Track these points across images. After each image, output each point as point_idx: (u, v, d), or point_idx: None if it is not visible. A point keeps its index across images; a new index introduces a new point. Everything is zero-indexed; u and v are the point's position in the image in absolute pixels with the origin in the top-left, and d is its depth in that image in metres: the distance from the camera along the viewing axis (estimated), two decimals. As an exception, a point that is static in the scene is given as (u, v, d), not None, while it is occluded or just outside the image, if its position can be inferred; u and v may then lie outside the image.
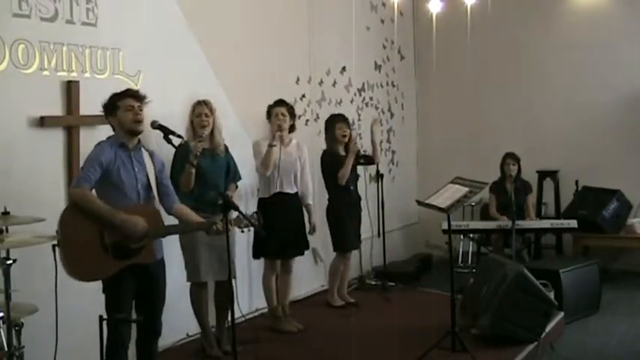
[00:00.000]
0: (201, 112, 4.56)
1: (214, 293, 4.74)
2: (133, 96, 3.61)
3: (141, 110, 3.59)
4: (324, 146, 5.85)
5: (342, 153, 5.70)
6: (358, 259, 6.47)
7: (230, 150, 4.74)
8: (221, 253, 4.13)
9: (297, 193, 5.25)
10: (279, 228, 4.99)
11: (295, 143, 5.27)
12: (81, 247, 3.33)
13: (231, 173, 4.74)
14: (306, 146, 5.39)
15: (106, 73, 4.32)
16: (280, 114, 5.09)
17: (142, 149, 3.67)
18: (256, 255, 5.18)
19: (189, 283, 4.66)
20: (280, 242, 5.07)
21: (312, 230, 5.43)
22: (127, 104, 3.56)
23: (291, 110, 5.19)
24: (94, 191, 3.47)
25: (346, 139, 5.71)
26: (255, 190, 5.39)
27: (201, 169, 4.39)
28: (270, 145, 4.94)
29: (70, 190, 3.47)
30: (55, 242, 3.29)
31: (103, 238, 3.39)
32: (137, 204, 3.57)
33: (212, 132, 4.60)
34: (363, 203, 5.99)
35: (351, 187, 5.78)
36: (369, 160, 6.00)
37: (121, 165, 3.53)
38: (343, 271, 5.93)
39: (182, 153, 4.28)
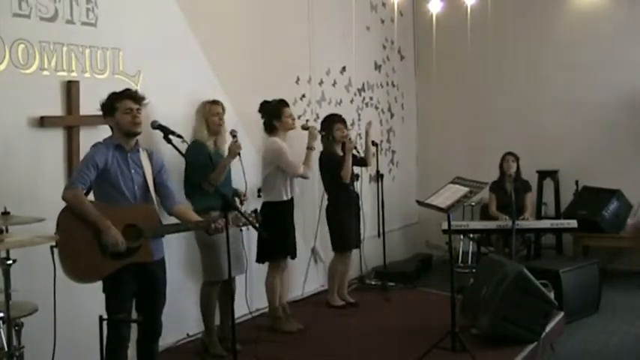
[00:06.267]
0: (218, 111, 4.69)
1: (219, 292, 4.73)
2: (132, 97, 3.57)
3: (139, 112, 3.57)
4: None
5: (340, 153, 5.69)
6: (358, 259, 6.46)
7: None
8: (234, 250, 4.17)
9: None
10: (291, 229, 5.17)
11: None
12: (78, 248, 3.34)
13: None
14: None
15: (106, 73, 4.32)
16: (291, 116, 5.20)
17: (140, 150, 3.66)
18: (262, 259, 5.16)
19: (189, 283, 4.63)
20: (293, 243, 5.21)
21: None
22: (125, 107, 3.53)
23: None
24: (91, 192, 3.47)
25: (345, 139, 5.70)
26: (256, 190, 5.36)
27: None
28: (311, 148, 5.10)
29: (63, 191, 3.45)
30: (54, 244, 3.28)
31: (100, 238, 3.39)
32: (134, 204, 3.56)
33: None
34: (362, 203, 5.98)
35: (351, 187, 5.79)
36: (362, 161, 6.00)
37: (117, 166, 3.52)
38: (343, 271, 5.92)
39: (197, 151, 4.40)
